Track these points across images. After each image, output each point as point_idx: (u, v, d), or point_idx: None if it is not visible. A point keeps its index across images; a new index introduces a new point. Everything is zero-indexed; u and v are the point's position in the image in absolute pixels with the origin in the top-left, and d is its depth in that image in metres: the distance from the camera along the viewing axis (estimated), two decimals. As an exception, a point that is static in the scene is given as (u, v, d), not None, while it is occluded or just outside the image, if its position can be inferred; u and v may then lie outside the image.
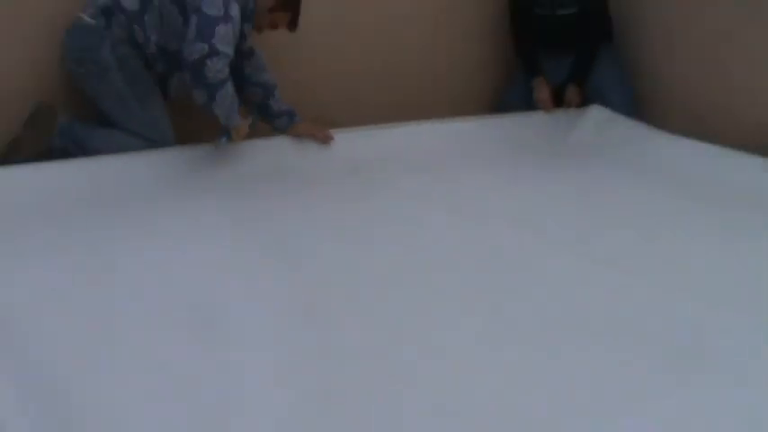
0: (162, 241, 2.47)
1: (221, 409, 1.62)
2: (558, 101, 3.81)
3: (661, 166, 3.26)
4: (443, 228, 2.66)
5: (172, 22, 2.88)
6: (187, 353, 1.84)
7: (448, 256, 2.45)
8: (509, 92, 4.03)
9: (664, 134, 3.44)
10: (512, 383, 1.73)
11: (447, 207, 2.84)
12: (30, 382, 1.71)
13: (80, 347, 1.86)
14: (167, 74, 3.00)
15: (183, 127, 3.15)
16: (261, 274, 2.26)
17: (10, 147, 2.91)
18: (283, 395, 1.68)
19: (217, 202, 2.83)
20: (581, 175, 3.30)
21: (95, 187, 2.85)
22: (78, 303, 2.07)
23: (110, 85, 2.90)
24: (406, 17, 3.84)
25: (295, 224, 2.64)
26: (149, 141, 3.00)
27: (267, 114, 3.19)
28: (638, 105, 3.79)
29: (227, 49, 2.76)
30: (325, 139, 3.28)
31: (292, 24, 3.07)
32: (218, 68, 2.74)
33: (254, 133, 3.13)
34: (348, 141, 3.36)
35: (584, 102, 3.79)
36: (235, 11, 2.77)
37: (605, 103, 3.73)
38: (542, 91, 3.79)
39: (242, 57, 3.04)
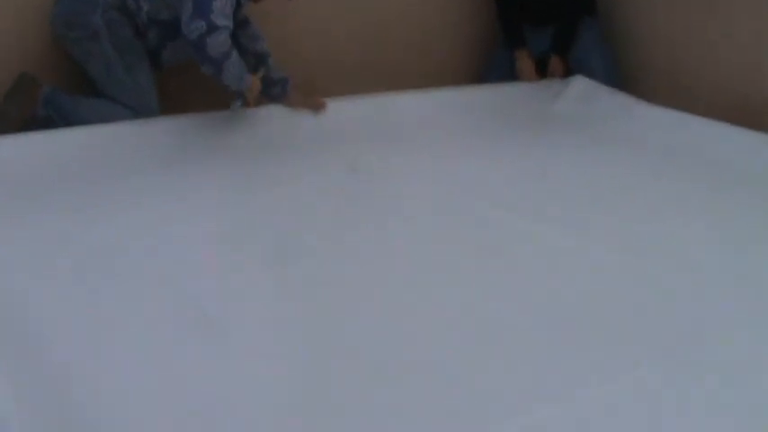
0: (153, 220, 2.45)
1: (221, 409, 1.60)
2: (542, 72, 3.85)
3: (644, 136, 3.31)
4: (428, 203, 2.67)
5: None
6: (184, 348, 1.81)
7: (434, 234, 2.46)
8: (492, 62, 4.06)
9: (647, 105, 3.49)
10: (511, 383, 1.71)
11: (432, 180, 2.87)
12: (24, 383, 1.67)
13: (71, 339, 1.83)
14: (160, 44, 3.00)
15: (176, 96, 3.14)
16: (252, 255, 2.26)
17: None
18: (283, 395, 1.66)
19: (206, 174, 2.82)
20: (564, 146, 3.33)
21: (82, 158, 2.81)
22: (65, 286, 2.05)
23: (98, 51, 2.91)
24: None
25: (286, 205, 2.64)
26: (133, 110, 3.00)
27: (262, 84, 3.18)
28: (622, 77, 3.84)
29: (225, 21, 2.76)
30: (319, 108, 3.30)
31: None
32: (219, 43, 2.75)
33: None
34: (337, 111, 3.36)
35: (568, 73, 3.83)
36: None
37: (588, 74, 3.77)
38: (525, 62, 3.83)
39: (237, 26, 3.03)
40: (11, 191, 2.58)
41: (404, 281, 2.15)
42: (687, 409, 1.62)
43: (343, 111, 3.38)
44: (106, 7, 2.87)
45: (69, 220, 2.41)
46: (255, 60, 3.15)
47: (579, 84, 3.76)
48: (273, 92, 3.23)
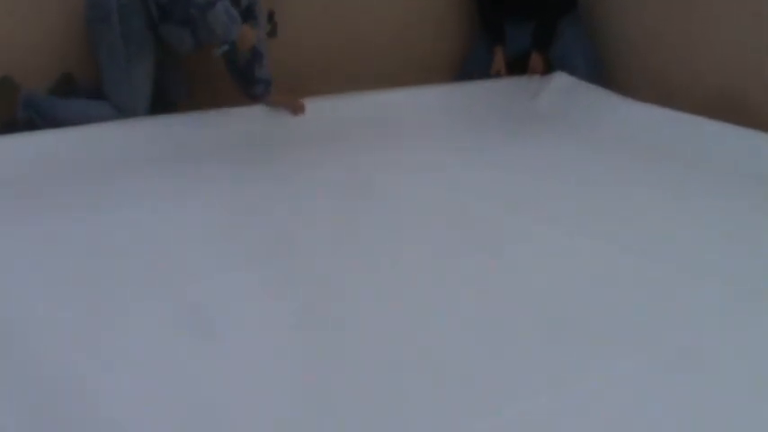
0: (145, 220, 2.47)
1: (218, 409, 1.60)
2: (523, 68, 3.87)
3: (625, 132, 3.35)
4: (411, 199, 2.69)
5: None
6: (181, 348, 1.80)
7: (419, 229, 2.48)
8: (472, 60, 4.07)
9: (628, 101, 3.53)
10: (511, 384, 1.71)
11: (415, 176, 2.88)
12: (24, 383, 1.68)
13: (63, 342, 1.82)
14: (160, 20, 2.99)
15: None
16: (248, 254, 2.27)
17: None
18: (283, 395, 1.67)
19: (199, 173, 2.84)
20: (545, 143, 3.38)
21: (66, 159, 2.82)
22: (57, 287, 2.05)
23: (106, 35, 2.93)
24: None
25: (280, 203, 2.66)
26: (116, 109, 3.00)
27: (247, 78, 3.19)
28: (603, 73, 3.86)
29: None
30: (298, 110, 3.32)
31: None
32: None
33: (229, 102, 3.16)
34: (316, 110, 3.36)
35: (549, 69, 3.85)
36: None
37: (569, 70, 3.80)
38: (499, 61, 3.86)
39: (241, 16, 3.04)
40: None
41: (393, 278, 2.17)
42: (687, 409, 1.62)
43: (326, 110, 3.39)
44: None
45: (60, 221, 2.42)
46: (251, 55, 3.14)
47: (560, 80, 3.80)
48: (256, 90, 3.23)
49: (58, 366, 1.73)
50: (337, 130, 3.31)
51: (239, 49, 3.03)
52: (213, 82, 3.24)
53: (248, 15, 3.12)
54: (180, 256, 2.25)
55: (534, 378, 1.71)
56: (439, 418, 1.58)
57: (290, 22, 3.60)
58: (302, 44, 3.66)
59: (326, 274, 2.18)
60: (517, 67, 3.88)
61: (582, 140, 3.35)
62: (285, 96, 3.31)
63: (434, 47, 4.10)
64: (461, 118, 3.62)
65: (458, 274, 2.18)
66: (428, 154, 3.15)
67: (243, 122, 3.21)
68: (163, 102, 3.13)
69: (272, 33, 3.21)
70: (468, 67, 4.03)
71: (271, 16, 3.19)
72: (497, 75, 3.87)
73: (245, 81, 3.20)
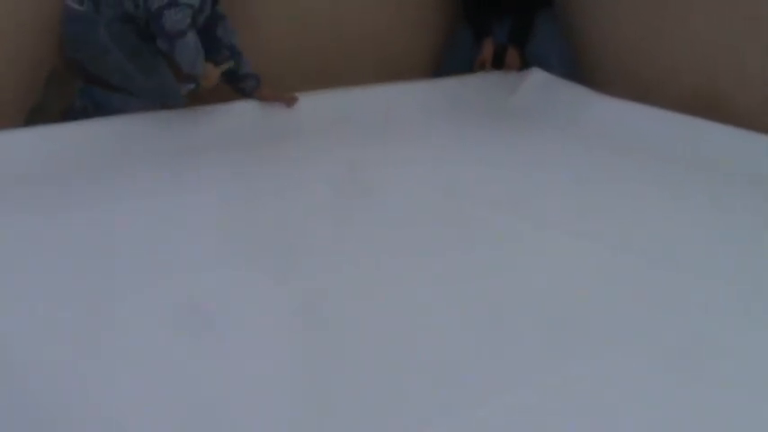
0: (138, 216, 2.48)
1: (219, 411, 1.60)
2: (499, 64, 3.93)
3: (601, 127, 3.42)
4: (393, 194, 2.73)
5: None
6: (182, 349, 1.79)
7: (401, 227, 2.50)
8: (450, 55, 4.11)
9: (604, 97, 3.59)
10: (510, 385, 1.71)
11: (394, 172, 2.92)
12: (23, 382, 1.68)
13: (65, 340, 1.82)
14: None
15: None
16: (249, 253, 2.28)
17: (34, 109, 2.94)
18: (282, 395, 1.67)
19: (196, 171, 2.86)
20: (521, 139, 3.44)
21: (60, 155, 2.82)
22: (63, 284, 2.06)
23: (113, 65, 2.92)
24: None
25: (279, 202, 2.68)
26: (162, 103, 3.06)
27: (234, 77, 3.20)
28: (579, 69, 3.92)
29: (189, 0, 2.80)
30: (291, 102, 3.35)
31: None
32: (176, 19, 2.79)
33: (219, 97, 3.18)
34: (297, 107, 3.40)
35: (525, 65, 3.91)
36: None
37: (545, 66, 3.85)
38: (488, 51, 3.89)
39: (215, 19, 3.06)
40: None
41: (379, 275, 2.18)
42: (685, 410, 1.63)
43: (305, 107, 3.40)
44: (108, 21, 2.87)
45: (57, 217, 2.43)
46: (231, 54, 3.15)
47: (536, 76, 3.86)
48: (246, 86, 3.24)
49: (58, 366, 1.72)
50: (317, 127, 3.33)
51: (203, 86, 3.03)
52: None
53: (222, 18, 3.13)
54: (177, 254, 2.25)
55: (534, 377, 1.73)
56: (439, 418, 1.59)
57: (268, 21, 3.62)
58: (280, 43, 3.67)
59: (320, 271, 2.19)
60: (494, 61, 3.93)
61: (560, 136, 3.43)
62: (276, 91, 3.33)
63: (412, 43, 4.13)
64: (440, 114, 3.65)
65: (451, 272, 2.19)
66: (407, 150, 3.20)
67: (233, 118, 3.23)
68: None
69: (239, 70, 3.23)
70: (447, 64, 4.08)
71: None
72: (481, 67, 3.91)
73: (232, 79, 3.21)
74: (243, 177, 2.85)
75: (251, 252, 2.28)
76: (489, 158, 3.17)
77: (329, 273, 2.19)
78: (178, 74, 2.98)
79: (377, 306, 2.02)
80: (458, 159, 3.13)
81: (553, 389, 1.68)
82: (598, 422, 1.60)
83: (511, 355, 1.82)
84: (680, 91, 3.50)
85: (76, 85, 2.98)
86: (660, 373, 1.74)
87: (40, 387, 1.65)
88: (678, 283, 2.14)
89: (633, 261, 2.27)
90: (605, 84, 3.72)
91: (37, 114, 2.95)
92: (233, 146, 3.08)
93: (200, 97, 3.12)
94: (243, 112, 3.26)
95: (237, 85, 3.23)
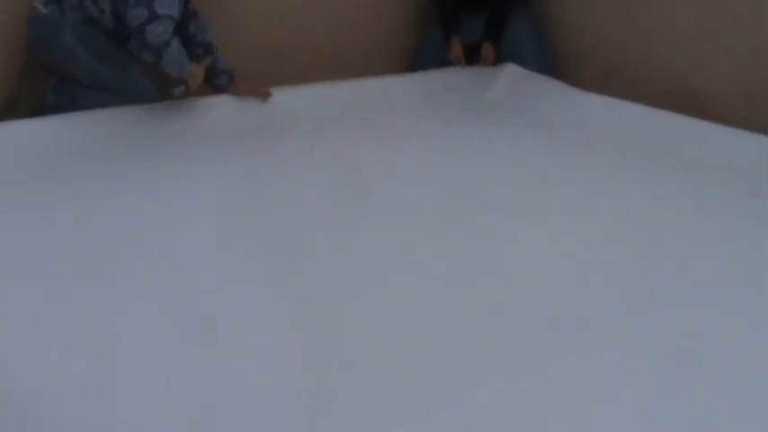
0: (145, 212, 2.45)
1: (219, 413, 1.59)
2: (474, 58, 3.94)
3: (576, 122, 3.43)
4: (374, 190, 2.71)
5: None
6: (181, 350, 1.77)
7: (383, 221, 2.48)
8: (423, 50, 4.12)
9: (578, 91, 3.61)
10: (510, 385, 1.71)
11: (373, 167, 2.91)
12: (23, 382, 1.65)
13: (63, 340, 1.79)
14: (127, 39, 2.95)
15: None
16: (247, 253, 2.25)
17: (6, 104, 2.91)
18: (282, 395, 1.65)
19: (186, 165, 2.85)
20: (496, 133, 3.42)
21: (84, 143, 2.85)
22: (60, 284, 2.02)
23: (81, 66, 2.90)
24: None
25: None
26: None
27: (208, 73, 3.17)
28: (554, 65, 3.94)
29: (169, 10, 2.78)
30: (265, 97, 3.34)
31: None
32: (158, 32, 2.77)
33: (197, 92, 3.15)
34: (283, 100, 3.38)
35: (500, 60, 3.93)
36: None
37: (520, 61, 3.88)
38: (456, 50, 3.91)
39: (187, 16, 3.04)
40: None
41: (366, 274, 2.15)
42: (678, 408, 1.63)
43: (282, 100, 3.39)
44: (72, 24, 2.85)
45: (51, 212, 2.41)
46: (203, 50, 3.13)
47: (511, 71, 3.88)
48: (220, 81, 3.23)
49: (58, 365, 1.70)
50: (289, 122, 3.31)
51: (191, 86, 3.02)
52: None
53: (194, 15, 3.11)
54: (170, 252, 2.21)
55: (532, 377, 1.72)
56: (440, 417, 1.59)
57: (244, 16, 3.60)
58: (254, 38, 3.64)
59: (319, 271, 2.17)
60: (469, 56, 3.94)
61: (533, 130, 3.43)
62: (250, 86, 3.31)
63: (386, 38, 4.13)
64: (414, 108, 3.64)
65: (441, 270, 2.17)
66: (383, 145, 3.19)
67: (209, 113, 3.20)
68: None
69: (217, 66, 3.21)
70: (421, 58, 4.08)
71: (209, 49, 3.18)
72: (457, 61, 3.92)
73: (208, 74, 3.18)
74: (226, 174, 2.83)
75: (246, 250, 2.26)
76: (466, 152, 3.16)
77: (327, 272, 2.17)
78: (168, 78, 2.97)
79: (376, 306, 2.00)
80: (435, 155, 3.12)
81: (548, 384, 1.70)
82: (586, 418, 1.60)
83: (508, 352, 1.81)
84: (656, 86, 3.51)
85: (49, 80, 2.96)
86: (649, 371, 1.74)
87: (30, 390, 1.62)
88: (662, 279, 2.13)
89: (616, 257, 2.26)
90: (580, 80, 3.73)
91: (9, 109, 2.91)
92: (211, 142, 3.06)
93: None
94: (215, 106, 3.24)
95: (212, 81, 3.21)
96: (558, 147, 3.25)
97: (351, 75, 3.76)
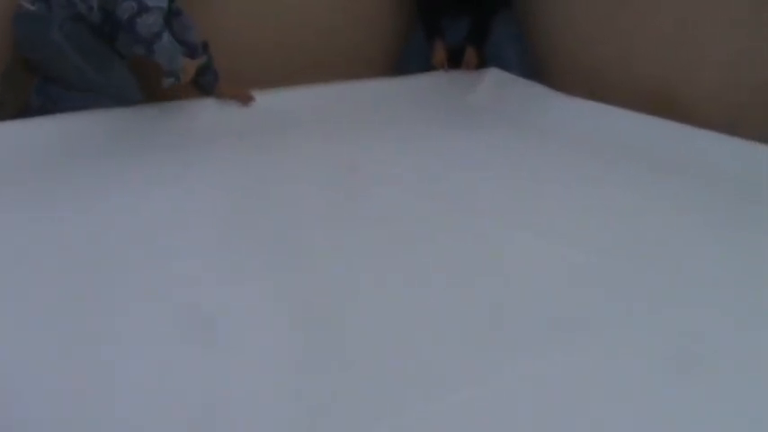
0: (142, 215, 2.45)
1: (219, 414, 1.58)
2: (457, 62, 3.95)
3: (558, 126, 3.45)
4: (359, 196, 2.69)
5: None
6: (181, 351, 1.76)
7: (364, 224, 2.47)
8: (407, 54, 4.13)
9: (561, 95, 3.63)
10: (509, 385, 1.71)
11: (355, 170, 2.90)
12: (22, 381, 1.64)
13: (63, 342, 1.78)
14: (113, 36, 2.98)
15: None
16: (247, 252, 2.24)
17: None
18: (282, 395, 1.66)
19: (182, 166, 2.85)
20: (480, 137, 3.42)
21: (68, 144, 2.85)
22: (58, 284, 2.00)
23: (67, 64, 2.90)
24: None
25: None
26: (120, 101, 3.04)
27: (196, 71, 3.14)
28: (538, 69, 3.97)
29: (157, 2, 2.80)
30: (247, 100, 3.34)
31: None
32: (149, 23, 2.78)
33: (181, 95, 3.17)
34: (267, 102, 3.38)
35: (483, 64, 3.94)
36: None
37: (503, 65, 3.90)
38: (439, 54, 3.92)
39: (171, 15, 3.04)
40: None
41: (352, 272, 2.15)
42: (687, 411, 1.62)
43: (263, 104, 3.40)
44: (60, 21, 2.86)
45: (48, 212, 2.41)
46: (188, 50, 3.11)
47: (494, 75, 3.90)
48: (204, 81, 3.23)
49: (58, 365, 1.69)
50: (272, 125, 3.31)
51: (182, 81, 3.02)
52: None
53: (178, 14, 3.12)
54: (168, 252, 2.20)
55: (531, 377, 1.71)
56: (440, 416, 1.59)
57: (227, 17, 3.59)
58: (238, 39, 3.64)
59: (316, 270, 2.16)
60: (452, 60, 3.95)
61: (516, 134, 3.44)
62: (234, 88, 3.31)
63: (369, 42, 4.14)
64: (397, 112, 3.65)
65: (439, 271, 2.16)
66: (365, 148, 3.19)
67: (202, 114, 3.23)
68: None
69: (209, 64, 3.22)
70: (404, 62, 4.09)
71: (205, 47, 3.19)
72: (440, 66, 3.93)
73: (196, 71, 3.15)
74: (223, 174, 2.84)
75: (246, 249, 2.26)
76: (445, 157, 3.15)
77: (327, 272, 2.16)
78: (159, 71, 2.96)
79: (376, 306, 2.00)
80: (420, 158, 3.12)
81: (548, 384, 1.69)
82: (586, 418, 1.60)
83: (508, 352, 1.81)
84: (637, 90, 3.55)
85: (33, 81, 2.96)
86: (649, 371, 1.74)
87: (30, 390, 1.61)
88: (657, 279, 2.14)
89: (608, 258, 2.26)
90: (563, 84, 3.75)
91: None
92: (206, 142, 3.08)
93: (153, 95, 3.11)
94: (208, 107, 3.26)
95: (197, 79, 3.20)
96: (542, 150, 3.27)
97: (334, 78, 3.76)
